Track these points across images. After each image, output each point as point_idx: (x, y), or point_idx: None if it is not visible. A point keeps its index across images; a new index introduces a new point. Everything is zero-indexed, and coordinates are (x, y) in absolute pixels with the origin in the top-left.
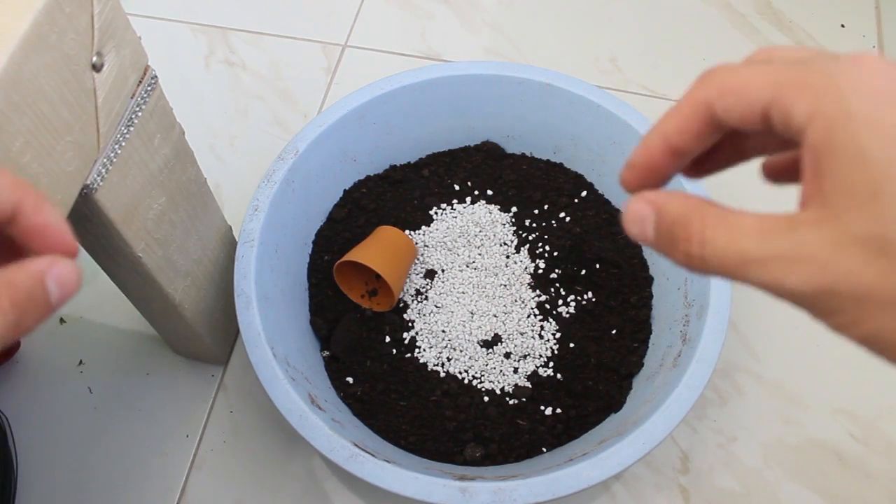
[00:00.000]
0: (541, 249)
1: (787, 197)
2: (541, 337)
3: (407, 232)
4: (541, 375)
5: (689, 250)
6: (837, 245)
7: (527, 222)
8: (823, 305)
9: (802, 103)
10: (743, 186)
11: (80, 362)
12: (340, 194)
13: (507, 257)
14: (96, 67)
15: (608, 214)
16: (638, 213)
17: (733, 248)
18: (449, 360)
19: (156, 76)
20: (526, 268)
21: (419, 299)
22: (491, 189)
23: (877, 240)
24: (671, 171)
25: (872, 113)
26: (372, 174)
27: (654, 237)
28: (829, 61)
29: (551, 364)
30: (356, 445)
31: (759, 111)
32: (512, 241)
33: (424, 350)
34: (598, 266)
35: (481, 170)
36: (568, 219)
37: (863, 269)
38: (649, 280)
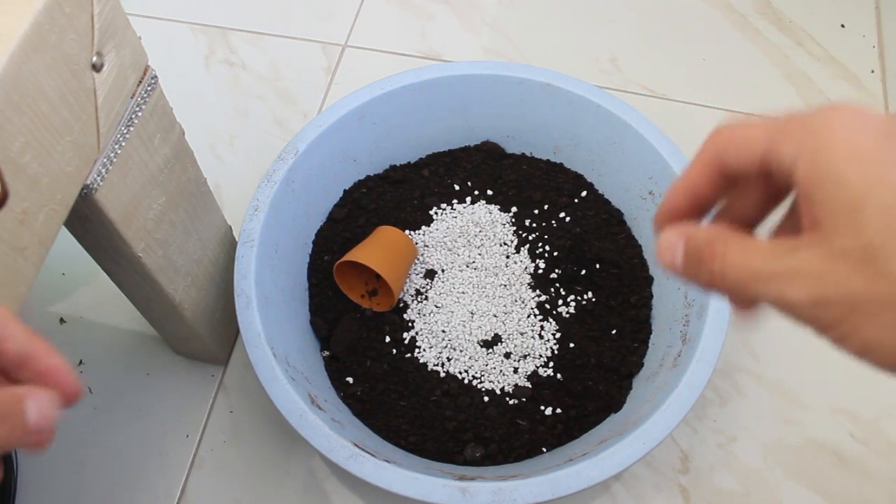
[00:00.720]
0: (541, 249)
1: None
2: (541, 337)
3: (407, 232)
4: (541, 375)
5: (711, 268)
6: (828, 259)
7: (527, 222)
8: (822, 317)
9: (789, 147)
10: None
11: (80, 362)
12: (340, 194)
13: (507, 257)
14: (96, 67)
15: (608, 214)
16: (669, 242)
17: (747, 265)
18: (449, 360)
19: (156, 76)
20: (526, 268)
21: (419, 299)
22: (491, 189)
23: (861, 250)
24: (696, 216)
25: (845, 145)
26: (372, 174)
27: (682, 262)
28: (809, 112)
29: (551, 364)
30: (356, 445)
31: (759, 159)
32: (512, 241)
33: (424, 350)
34: (598, 266)
35: (481, 170)
36: (568, 219)
37: (851, 277)
38: (649, 280)
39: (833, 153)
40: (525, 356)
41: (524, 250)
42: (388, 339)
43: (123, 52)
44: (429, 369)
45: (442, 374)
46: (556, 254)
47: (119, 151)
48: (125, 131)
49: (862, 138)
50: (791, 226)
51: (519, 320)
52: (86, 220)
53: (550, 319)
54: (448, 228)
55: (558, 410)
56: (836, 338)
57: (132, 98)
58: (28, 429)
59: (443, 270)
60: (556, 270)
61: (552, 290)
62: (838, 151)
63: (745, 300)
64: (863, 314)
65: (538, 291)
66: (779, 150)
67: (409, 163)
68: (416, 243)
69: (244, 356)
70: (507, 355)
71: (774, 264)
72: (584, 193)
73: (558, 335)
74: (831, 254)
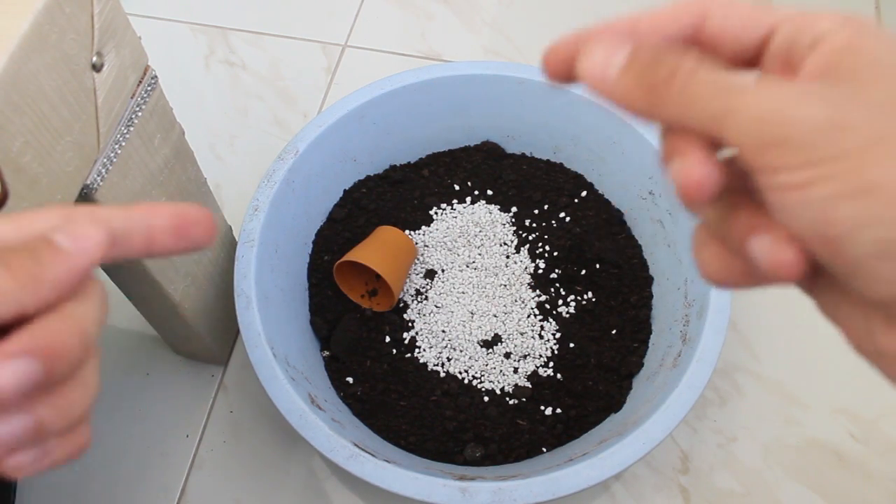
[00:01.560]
0: (541, 249)
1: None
2: (541, 337)
3: (407, 232)
4: (541, 375)
5: (670, 78)
6: (858, 99)
7: (527, 222)
8: (831, 145)
9: (825, 21)
10: None
11: None
12: (340, 194)
13: (507, 257)
14: (96, 67)
15: (608, 214)
16: (609, 40)
17: (728, 79)
18: (449, 360)
19: (156, 76)
20: (526, 268)
21: (419, 299)
22: (491, 189)
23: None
24: None
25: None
26: (372, 174)
27: (620, 70)
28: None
29: (551, 364)
30: (356, 445)
31: (763, 31)
32: (512, 241)
33: (424, 350)
34: (598, 266)
35: (481, 170)
36: (568, 219)
37: (880, 116)
38: (649, 280)
39: (882, 40)
40: (525, 356)
41: (524, 250)
42: (388, 339)
43: (123, 52)
44: (429, 369)
45: (442, 374)
46: (556, 254)
47: (119, 151)
48: (125, 131)
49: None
50: None
51: (519, 320)
52: None
53: (550, 319)
54: (448, 228)
55: (558, 410)
56: (829, 174)
57: (132, 98)
58: (64, 254)
59: (443, 270)
60: (556, 270)
61: (552, 290)
62: (887, 40)
63: (691, 121)
64: (886, 147)
65: (538, 291)
66: (804, 24)
67: (409, 163)
68: (416, 243)
69: (244, 356)
70: (507, 355)
71: (773, 82)
72: (584, 193)
73: (558, 335)
74: (857, 95)
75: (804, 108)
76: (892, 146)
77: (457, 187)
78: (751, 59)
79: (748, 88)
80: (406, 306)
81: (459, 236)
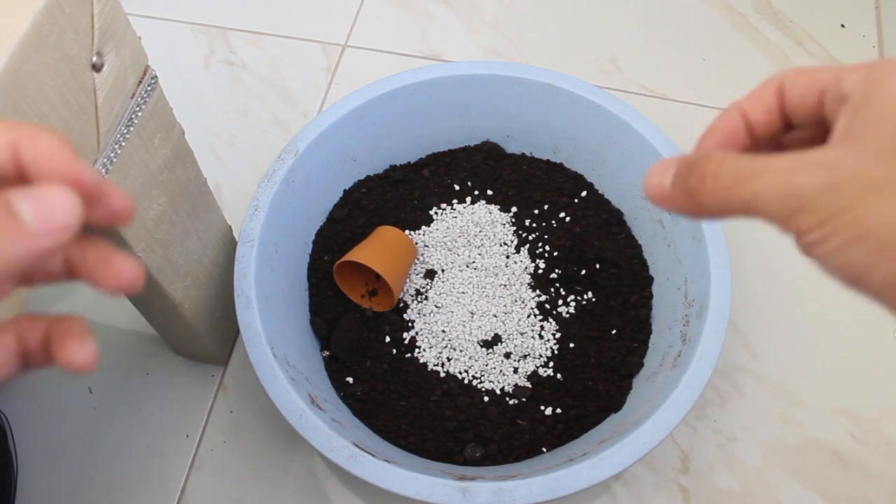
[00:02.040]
0: (541, 249)
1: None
2: (541, 337)
3: (407, 232)
4: (541, 375)
5: (704, 173)
6: (851, 153)
7: (527, 222)
8: (828, 204)
9: (854, 75)
10: None
11: None
12: (340, 194)
13: (507, 257)
14: (96, 67)
15: (608, 214)
16: (659, 168)
17: (748, 164)
18: (449, 360)
19: (156, 76)
20: (526, 268)
21: (419, 299)
22: (491, 189)
23: (893, 144)
24: (744, 144)
25: None
26: (372, 174)
27: (670, 184)
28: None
29: (551, 364)
30: (356, 445)
31: (818, 90)
32: (512, 241)
33: (424, 350)
34: (598, 266)
35: (481, 170)
36: (568, 219)
37: (873, 166)
38: (649, 280)
39: (892, 76)
40: (525, 356)
41: (524, 250)
42: (388, 339)
43: (123, 52)
44: (429, 369)
45: (442, 374)
46: (556, 254)
47: (119, 151)
48: (125, 131)
49: None
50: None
51: (519, 320)
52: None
53: (550, 319)
54: (448, 228)
55: (558, 410)
56: (836, 229)
57: (132, 98)
58: (29, 232)
59: (443, 270)
60: (556, 270)
61: (552, 290)
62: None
63: (731, 210)
64: (875, 195)
65: (538, 291)
66: (841, 80)
67: (409, 163)
68: (416, 243)
69: (244, 356)
70: (507, 355)
71: (784, 160)
72: (584, 193)
73: (558, 335)
74: (856, 150)
75: (804, 178)
76: (882, 193)
77: (457, 187)
78: (821, 120)
79: (763, 171)
80: (406, 306)
81: (459, 236)
